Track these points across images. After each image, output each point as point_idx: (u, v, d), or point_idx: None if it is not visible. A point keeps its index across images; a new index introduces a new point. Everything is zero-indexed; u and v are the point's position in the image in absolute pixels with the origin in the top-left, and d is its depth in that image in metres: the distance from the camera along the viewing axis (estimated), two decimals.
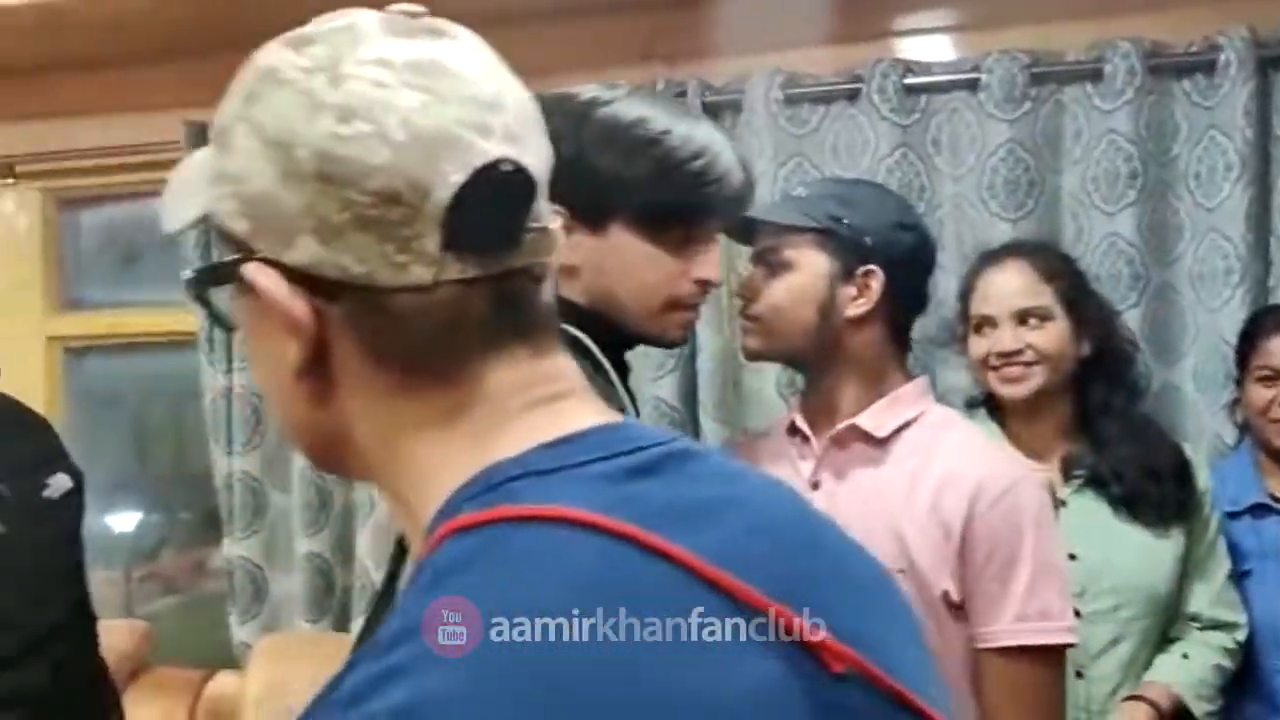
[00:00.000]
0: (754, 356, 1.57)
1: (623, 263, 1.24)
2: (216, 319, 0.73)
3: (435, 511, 0.64)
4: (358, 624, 2.62)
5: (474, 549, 0.59)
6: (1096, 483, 1.87)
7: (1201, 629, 1.89)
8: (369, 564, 2.66)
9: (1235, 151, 2.19)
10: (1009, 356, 1.88)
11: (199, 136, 2.55)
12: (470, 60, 0.66)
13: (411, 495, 0.67)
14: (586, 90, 1.26)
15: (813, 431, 1.54)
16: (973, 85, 2.33)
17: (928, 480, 1.43)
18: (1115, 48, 2.24)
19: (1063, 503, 1.84)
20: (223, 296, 0.70)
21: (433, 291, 0.63)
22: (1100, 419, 1.90)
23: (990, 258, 2.00)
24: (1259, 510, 1.99)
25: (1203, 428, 2.24)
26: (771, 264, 1.52)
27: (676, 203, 1.24)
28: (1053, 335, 1.88)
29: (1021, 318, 1.88)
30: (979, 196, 2.31)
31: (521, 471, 0.63)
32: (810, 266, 1.49)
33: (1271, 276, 2.24)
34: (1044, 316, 1.88)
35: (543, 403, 0.67)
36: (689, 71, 2.47)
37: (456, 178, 0.62)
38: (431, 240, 0.62)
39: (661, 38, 2.49)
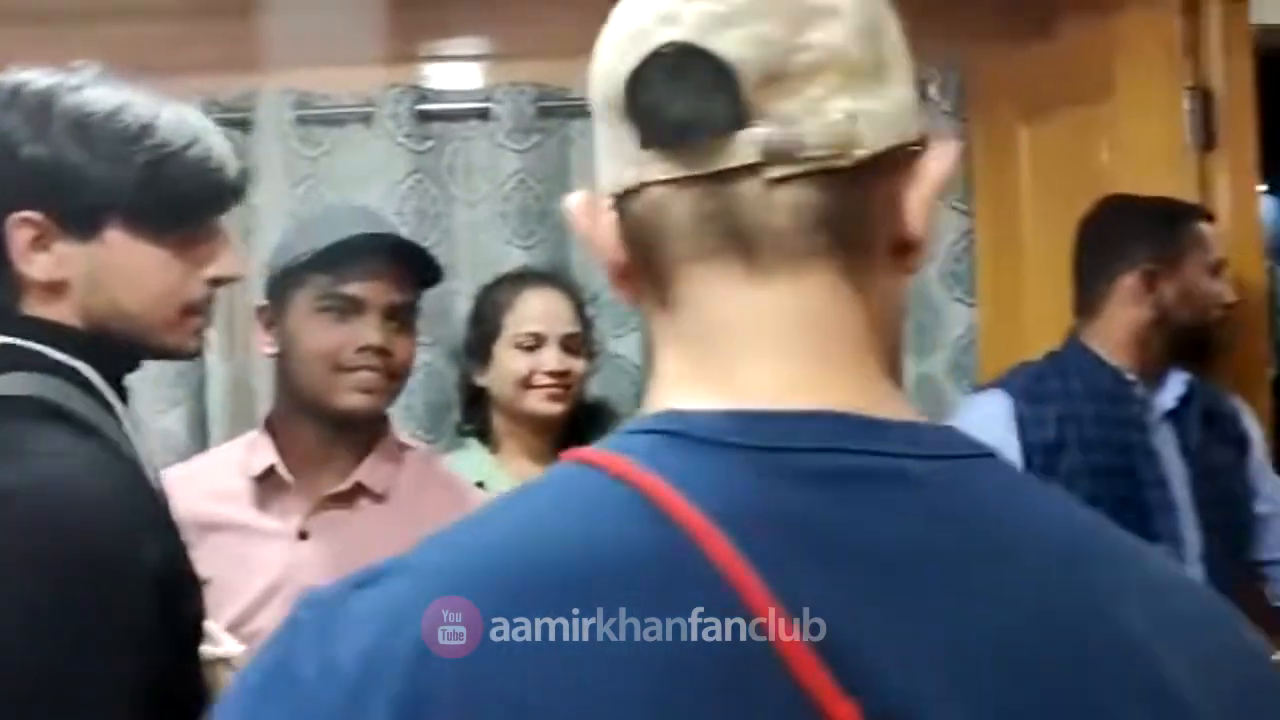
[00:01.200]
0: (375, 413, 1.55)
1: (125, 271, 1.09)
2: None
3: None
4: None
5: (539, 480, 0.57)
6: None
7: None
8: None
9: None
10: (558, 376, 1.92)
11: None
12: None
13: None
14: (37, 77, 1.08)
15: (295, 477, 1.51)
16: (485, 115, 2.38)
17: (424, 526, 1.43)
18: None
19: None
20: None
21: (640, 194, 0.59)
22: (591, 436, 1.99)
23: (525, 280, 2.04)
24: None
25: None
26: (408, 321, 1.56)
27: (177, 196, 1.10)
28: (581, 364, 1.96)
29: (564, 342, 1.95)
30: (493, 224, 2.36)
31: (676, 429, 0.55)
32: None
33: None
34: (578, 345, 1.97)
35: (754, 351, 0.57)
36: (194, 87, 2.33)
37: (626, 65, 0.58)
38: (631, 137, 0.58)
39: (161, 49, 2.34)
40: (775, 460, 0.53)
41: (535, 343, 1.94)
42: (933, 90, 2.47)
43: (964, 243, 2.48)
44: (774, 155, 0.56)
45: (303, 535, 1.49)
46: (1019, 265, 2.41)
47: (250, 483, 1.53)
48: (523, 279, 2.05)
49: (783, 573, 0.49)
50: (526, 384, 1.94)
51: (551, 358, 1.94)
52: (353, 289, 1.49)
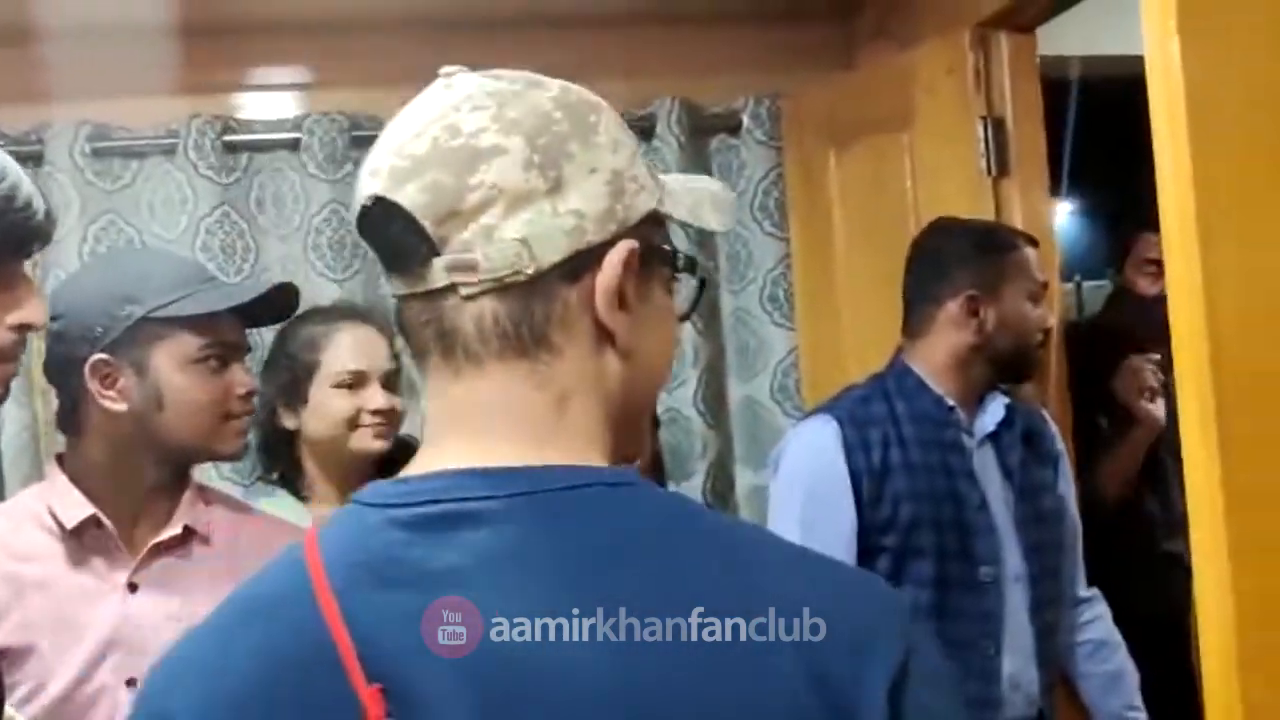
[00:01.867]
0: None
1: None
2: None
3: None
4: None
5: None
6: None
7: None
8: None
9: None
10: (384, 414, 1.86)
11: None
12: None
13: None
14: None
15: (117, 527, 1.44)
16: (295, 145, 2.32)
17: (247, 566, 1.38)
18: None
19: None
20: None
21: (400, 305, 0.75)
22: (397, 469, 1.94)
23: (338, 316, 1.96)
24: None
25: None
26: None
27: None
28: (399, 401, 1.90)
29: (384, 380, 1.89)
30: (305, 257, 2.31)
31: (359, 497, 0.74)
32: None
33: None
34: (396, 382, 1.91)
35: (446, 431, 0.74)
36: None
37: (353, 215, 0.74)
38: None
39: None
40: (388, 514, 0.71)
41: (356, 381, 1.89)
42: (745, 120, 2.53)
43: (781, 268, 2.53)
44: (458, 277, 0.70)
45: (132, 587, 1.42)
46: (834, 289, 2.47)
47: (60, 538, 1.44)
48: (334, 315, 1.97)
49: (353, 596, 0.68)
50: (352, 424, 1.88)
51: (376, 395, 1.87)
52: (231, 337, 1.49)
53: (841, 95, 2.45)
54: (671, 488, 2.20)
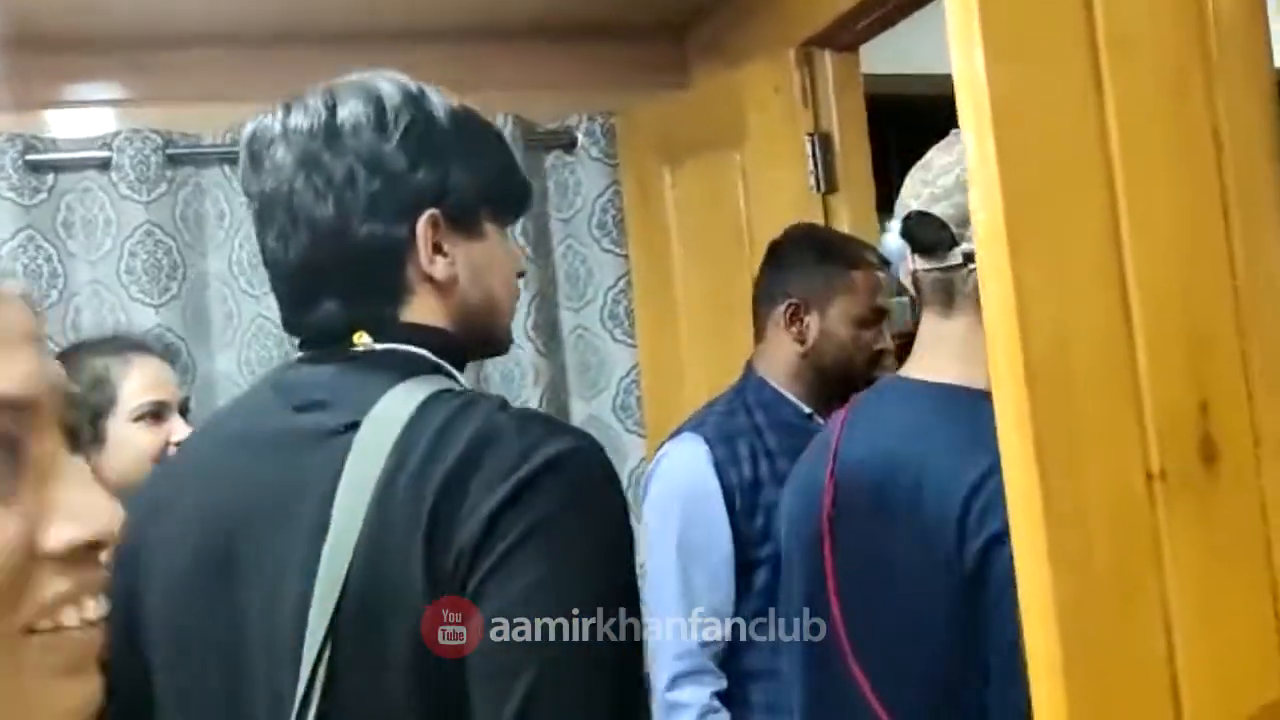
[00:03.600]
0: None
1: None
2: None
3: None
4: None
5: None
6: None
7: None
8: None
9: None
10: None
11: None
12: None
13: None
14: None
15: None
16: (105, 164, 2.20)
17: None
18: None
19: None
20: None
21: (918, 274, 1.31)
22: None
23: (122, 347, 1.85)
24: None
25: None
26: None
27: None
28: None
29: (181, 408, 1.81)
30: (119, 281, 2.18)
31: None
32: None
33: None
34: (188, 409, 1.83)
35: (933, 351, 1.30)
36: None
37: None
38: None
39: None
40: None
41: (157, 412, 1.80)
42: (580, 137, 2.51)
43: (621, 285, 2.52)
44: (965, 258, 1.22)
45: None
46: (673, 305, 2.47)
47: None
48: (112, 347, 1.86)
49: None
50: (158, 458, 1.78)
51: (179, 427, 1.79)
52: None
53: (675, 113, 2.46)
54: None
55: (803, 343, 1.85)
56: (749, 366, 1.91)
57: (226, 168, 2.27)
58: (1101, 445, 0.98)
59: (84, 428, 1.77)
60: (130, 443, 1.76)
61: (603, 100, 2.55)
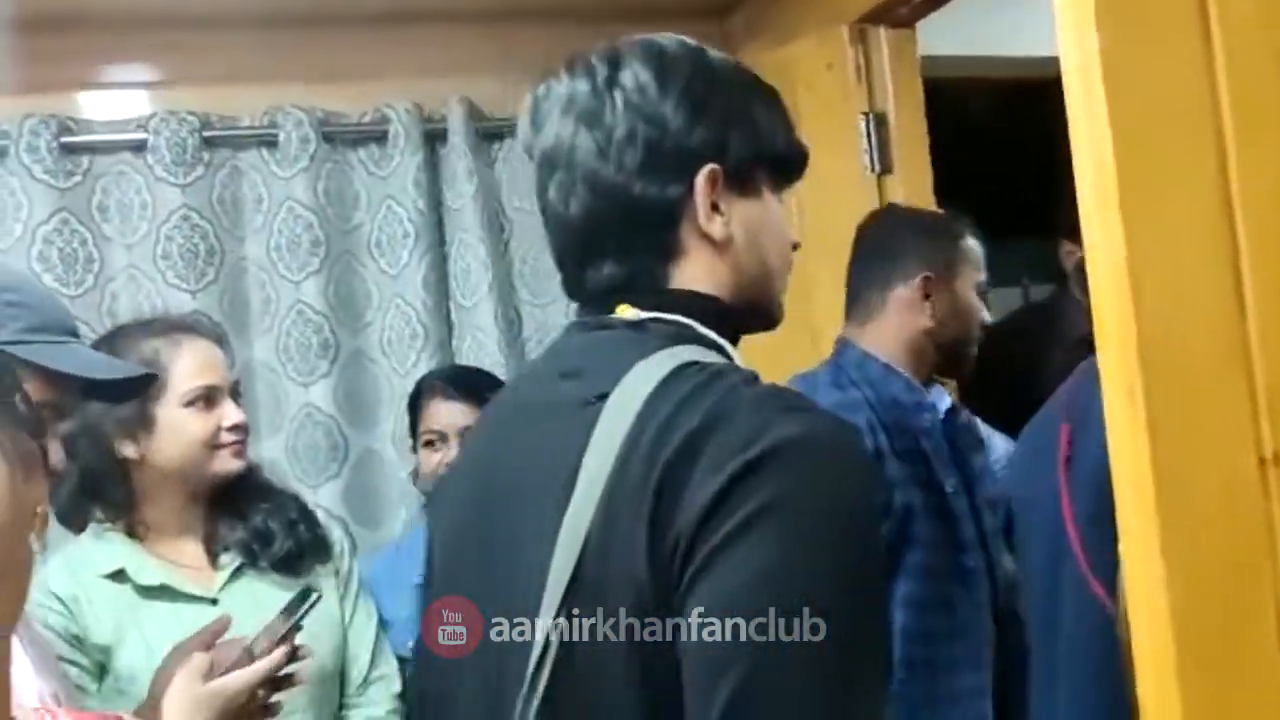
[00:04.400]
0: None
1: None
2: None
3: None
4: None
5: None
6: (250, 557, 1.73)
7: (362, 690, 1.82)
8: None
9: (410, 220, 2.26)
10: (240, 430, 1.71)
11: None
12: None
13: None
14: None
15: None
16: (141, 147, 2.16)
17: None
18: (289, 115, 2.20)
19: (214, 601, 1.67)
20: None
21: None
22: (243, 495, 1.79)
23: (173, 327, 1.77)
24: None
25: (406, 490, 2.28)
26: None
27: None
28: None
29: (233, 392, 1.74)
30: (155, 266, 2.14)
31: None
32: None
33: (454, 339, 2.35)
34: (239, 395, 1.77)
35: None
36: None
37: None
38: None
39: None
40: None
41: (209, 397, 1.73)
42: None
43: None
44: None
45: None
46: None
47: None
48: (162, 328, 1.76)
49: None
50: (210, 444, 1.71)
51: (232, 411, 1.72)
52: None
53: None
54: None
55: (933, 316, 1.82)
56: (845, 345, 1.86)
57: (264, 150, 2.22)
58: (1214, 429, 0.94)
59: (131, 414, 1.69)
60: (181, 429, 1.68)
61: (415, 89, 2.38)
